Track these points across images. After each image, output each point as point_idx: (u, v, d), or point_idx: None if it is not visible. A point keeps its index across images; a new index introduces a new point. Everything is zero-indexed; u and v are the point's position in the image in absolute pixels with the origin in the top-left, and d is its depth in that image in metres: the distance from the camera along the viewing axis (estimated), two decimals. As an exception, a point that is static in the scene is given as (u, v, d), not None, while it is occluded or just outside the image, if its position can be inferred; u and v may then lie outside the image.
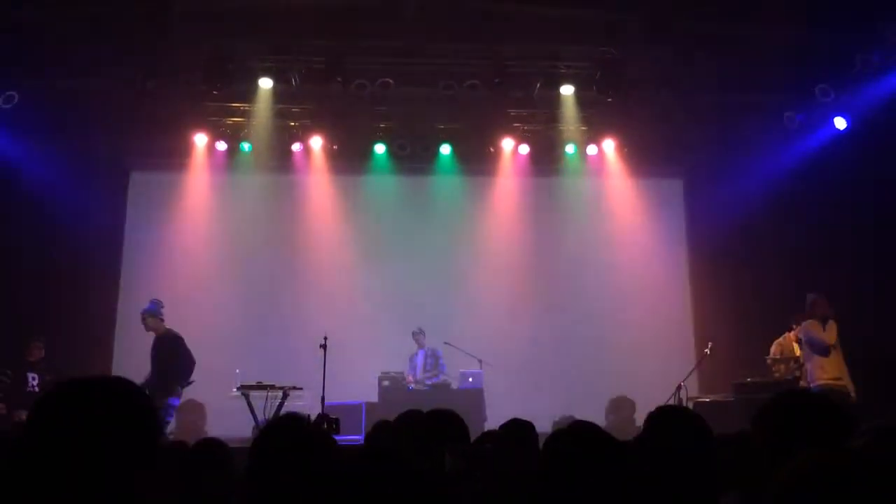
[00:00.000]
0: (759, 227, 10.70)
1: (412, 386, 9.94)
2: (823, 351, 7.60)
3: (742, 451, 2.81)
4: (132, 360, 10.60)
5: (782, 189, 10.40)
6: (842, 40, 8.57)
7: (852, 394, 7.52)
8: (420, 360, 10.26)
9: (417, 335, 10.36)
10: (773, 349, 8.79)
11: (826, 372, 7.64)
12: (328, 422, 7.24)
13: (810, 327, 7.71)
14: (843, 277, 9.32)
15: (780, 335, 8.91)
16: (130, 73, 9.15)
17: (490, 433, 3.38)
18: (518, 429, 3.52)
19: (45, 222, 10.17)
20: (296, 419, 2.63)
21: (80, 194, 10.22)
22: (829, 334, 7.63)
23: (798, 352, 8.66)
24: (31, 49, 8.65)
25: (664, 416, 2.51)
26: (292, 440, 2.45)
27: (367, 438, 4.20)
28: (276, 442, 2.46)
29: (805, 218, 10.11)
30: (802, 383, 8.20)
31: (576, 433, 2.24)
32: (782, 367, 8.54)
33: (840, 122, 9.64)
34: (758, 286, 10.57)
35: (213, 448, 3.17)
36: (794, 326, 8.73)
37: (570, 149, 11.31)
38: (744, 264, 10.78)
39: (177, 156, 11.04)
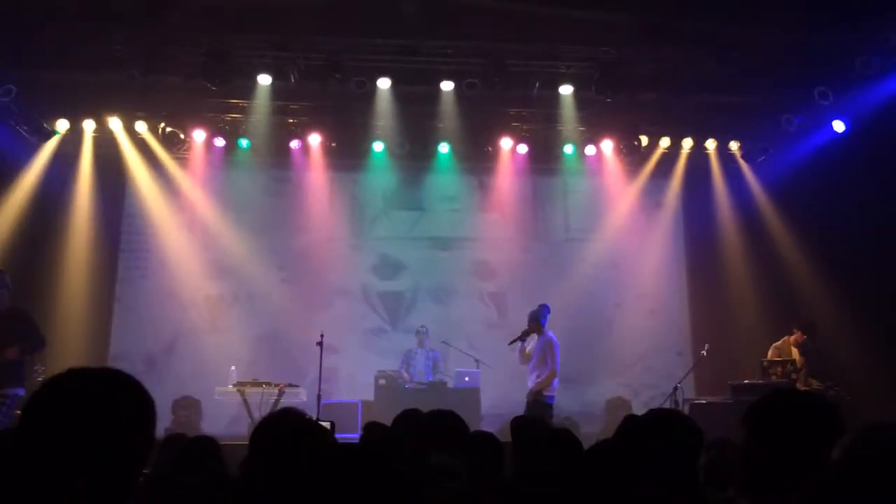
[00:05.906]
0: (756, 229, 10.68)
1: (409, 385, 9.90)
2: None
3: (737, 451, 2.80)
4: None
5: (779, 190, 10.39)
6: (841, 42, 8.52)
7: None
8: (421, 359, 10.16)
9: (421, 333, 10.27)
10: (770, 353, 8.79)
11: None
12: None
13: None
14: (841, 278, 9.31)
15: (779, 338, 8.90)
16: (130, 67, 9.12)
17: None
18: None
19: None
20: (292, 413, 2.63)
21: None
22: None
23: (796, 356, 8.66)
24: (31, 42, 8.61)
25: (652, 419, 2.50)
26: (288, 434, 2.44)
27: (360, 438, 4.18)
28: (272, 435, 2.46)
29: (802, 219, 10.09)
30: (799, 386, 8.21)
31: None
32: (779, 369, 8.53)
33: (838, 125, 9.60)
34: (755, 288, 10.57)
35: (205, 443, 3.16)
36: (795, 331, 8.73)
37: (568, 149, 11.29)
38: (741, 266, 10.77)
39: (174, 151, 11.01)
